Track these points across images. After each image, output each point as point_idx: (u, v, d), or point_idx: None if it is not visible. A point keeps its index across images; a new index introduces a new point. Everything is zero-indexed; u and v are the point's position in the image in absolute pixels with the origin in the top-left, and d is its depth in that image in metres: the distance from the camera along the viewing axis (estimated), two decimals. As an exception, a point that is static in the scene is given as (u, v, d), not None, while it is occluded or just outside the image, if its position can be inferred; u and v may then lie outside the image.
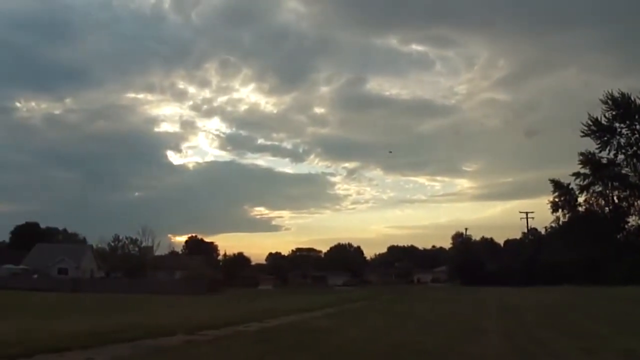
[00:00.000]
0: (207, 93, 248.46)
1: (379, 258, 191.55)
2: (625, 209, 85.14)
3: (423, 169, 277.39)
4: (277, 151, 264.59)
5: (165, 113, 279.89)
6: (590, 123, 78.79)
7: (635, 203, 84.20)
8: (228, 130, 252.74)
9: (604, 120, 78.09)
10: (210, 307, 37.61)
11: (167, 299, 52.48)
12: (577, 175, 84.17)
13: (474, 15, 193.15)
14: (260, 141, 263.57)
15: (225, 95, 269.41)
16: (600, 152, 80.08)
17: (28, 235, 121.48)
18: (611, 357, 14.34)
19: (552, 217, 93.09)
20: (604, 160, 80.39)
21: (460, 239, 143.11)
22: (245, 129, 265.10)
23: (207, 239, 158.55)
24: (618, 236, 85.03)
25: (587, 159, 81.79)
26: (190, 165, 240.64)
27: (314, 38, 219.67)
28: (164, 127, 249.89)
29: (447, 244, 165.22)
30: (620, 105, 76.55)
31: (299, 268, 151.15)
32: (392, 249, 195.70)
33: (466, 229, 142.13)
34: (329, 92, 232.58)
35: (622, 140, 78.30)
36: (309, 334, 18.35)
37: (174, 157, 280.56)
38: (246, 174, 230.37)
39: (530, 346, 15.74)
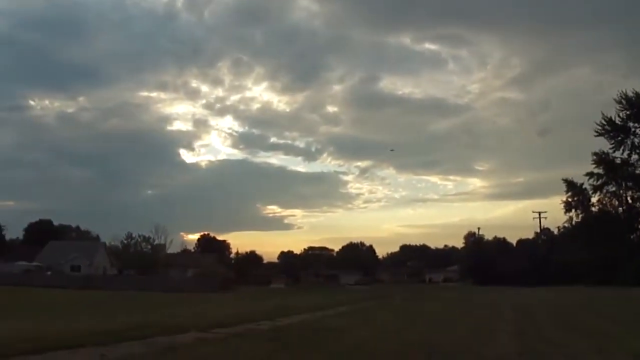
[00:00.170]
0: (219, 91, 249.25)
1: (391, 257, 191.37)
2: (639, 210, 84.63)
3: (435, 168, 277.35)
4: (289, 150, 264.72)
5: (178, 111, 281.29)
6: (604, 122, 78.23)
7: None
8: (241, 129, 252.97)
9: (617, 120, 77.51)
10: (222, 305, 37.68)
11: (179, 296, 52.59)
12: (590, 175, 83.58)
13: (487, 15, 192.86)
14: (273, 140, 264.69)
15: (238, 93, 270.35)
16: (614, 152, 79.47)
17: (41, 232, 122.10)
18: (622, 357, 14.32)
19: (565, 217, 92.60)
20: (618, 160, 79.74)
21: (473, 239, 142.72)
22: (258, 128, 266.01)
23: (220, 237, 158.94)
24: (631, 237, 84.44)
25: (601, 159, 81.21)
26: (203, 164, 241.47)
27: (326, 36, 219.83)
28: (177, 126, 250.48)
29: (459, 243, 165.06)
30: (635, 105, 75.98)
31: (311, 267, 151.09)
32: (404, 248, 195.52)
33: (478, 229, 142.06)
34: (342, 91, 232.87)
35: (637, 140, 77.69)
36: (320, 333, 18.37)
37: (186, 156, 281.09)
38: (259, 172, 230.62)
39: (542, 346, 15.71)
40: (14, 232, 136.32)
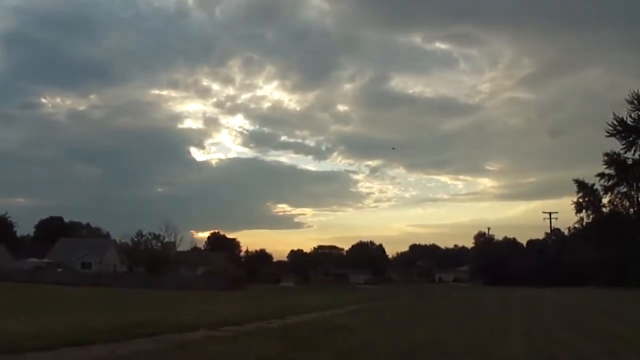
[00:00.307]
0: (230, 90, 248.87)
1: (401, 256, 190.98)
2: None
3: (446, 168, 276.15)
4: (300, 148, 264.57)
5: (189, 110, 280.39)
6: (616, 123, 77.94)
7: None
8: (251, 127, 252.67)
9: (629, 121, 77.18)
10: (231, 303, 37.74)
11: (189, 294, 52.70)
12: (601, 175, 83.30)
13: (498, 14, 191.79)
14: (284, 138, 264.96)
15: (249, 92, 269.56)
16: (625, 152, 79.18)
17: (52, 229, 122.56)
18: (634, 359, 14.27)
19: (575, 218, 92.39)
20: (629, 161, 79.44)
21: (483, 239, 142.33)
22: (269, 126, 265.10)
23: (229, 236, 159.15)
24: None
25: (612, 160, 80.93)
26: (213, 162, 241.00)
27: (337, 35, 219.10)
28: (188, 124, 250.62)
29: (469, 243, 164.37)
30: (646, 105, 75.71)
31: (320, 266, 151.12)
32: (414, 248, 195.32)
33: (489, 229, 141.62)
34: (352, 90, 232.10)
35: (648, 141, 77.46)
36: (330, 332, 18.39)
37: (197, 154, 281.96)
38: (269, 170, 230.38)
39: (553, 347, 15.66)
40: (25, 229, 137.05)
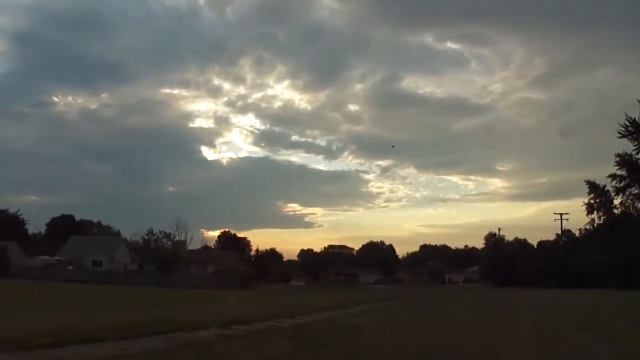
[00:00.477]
0: (242, 90, 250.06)
1: (411, 257, 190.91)
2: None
3: (457, 168, 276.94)
4: (311, 148, 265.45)
5: (200, 109, 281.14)
6: (628, 124, 77.25)
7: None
8: (262, 127, 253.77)
9: (642, 121, 76.76)
10: (242, 302, 37.68)
11: (199, 293, 52.73)
12: (613, 177, 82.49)
13: (510, 14, 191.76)
14: (295, 138, 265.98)
15: (260, 92, 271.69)
16: (637, 154, 78.33)
17: (64, 227, 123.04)
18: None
19: (587, 219, 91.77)
20: (642, 163, 78.97)
21: (494, 240, 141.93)
22: (280, 126, 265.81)
23: (240, 235, 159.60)
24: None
25: (624, 161, 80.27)
26: (225, 161, 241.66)
27: (348, 35, 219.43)
28: (199, 123, 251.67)
29: (480, 244, 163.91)
30: (660, 106, 75.18)
31: (331, 265, 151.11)
32: (425, 248, 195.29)
33: (499, 230, 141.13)
34: (364, 90, 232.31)
35: (662, 143, 76.94)
36: (341, 332, 18.34)
37: (208, 153, 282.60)
38: (280, 170, 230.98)
39: (564, 349, 15.58)
40: (37, 227, 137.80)
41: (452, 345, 15.21)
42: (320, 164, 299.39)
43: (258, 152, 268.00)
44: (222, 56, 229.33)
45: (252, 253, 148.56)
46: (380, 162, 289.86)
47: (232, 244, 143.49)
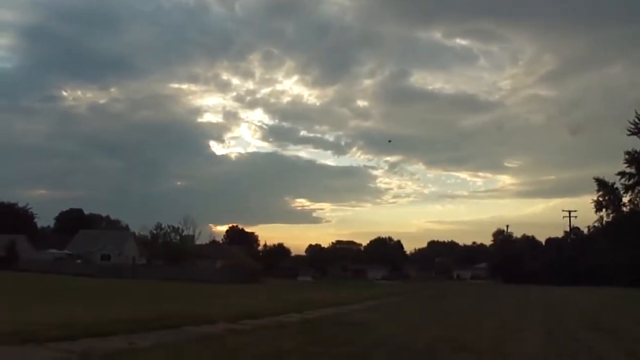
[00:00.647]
0: (250, 84, 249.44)
1: (419, 253, 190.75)
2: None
3: (465, 165, 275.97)
4: (319, 143, 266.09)
5: (208, 103, 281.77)
6: (637, 121, 77.31)
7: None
8: (271, 122, 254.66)
9: (651, 119, 76.55)
10: (250, 296, 37.82)
11: (207, 287, 52.88)
12: (622, 174, 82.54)
13: (519, 10, 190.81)
14: (303, 133, 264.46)
15: (269, 86, 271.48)
16: (646, 151, 78.52)
17: (72, 221, 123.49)
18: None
19: (595, 217, 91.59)
20: (651, 160, 78.77)
21: (501, 236, 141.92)
22: (288, 121, 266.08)
23: (248, 229, 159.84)
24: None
25: (633, 158, 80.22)
26: (233, 156, 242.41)
27: (357, 31, 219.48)
28: (207, 118, 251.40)
29: (487, 240, 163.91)
30: (669, 104, 74.95)
31: (338, 261, 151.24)
32: (432, 244, 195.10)
33: (507, 226, 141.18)
34: (372, 85, 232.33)
35: (670, 140, 76.69)
36: (349, 327, 18.41)
37: (216, 148, 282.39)
38: (288, 165, 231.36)
39: (572, 347, 15.61)
40: (46, 221, 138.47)
41: (459, 342, 15.22)
42: (329, 159, 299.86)
43: (266, 147, 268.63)
44: (231, 51, 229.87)
45: (260, 248, 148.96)
46: (389, 158, 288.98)
47: (240, 239, 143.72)
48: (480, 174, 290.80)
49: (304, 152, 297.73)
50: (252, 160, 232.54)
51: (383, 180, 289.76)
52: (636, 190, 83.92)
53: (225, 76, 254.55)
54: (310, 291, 48.35)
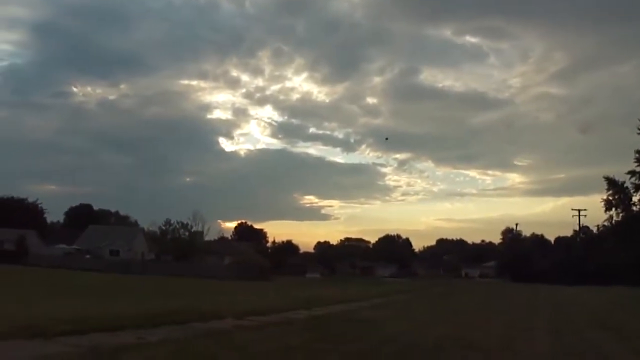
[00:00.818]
0: (259, 81, 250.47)
1: (428, 251, 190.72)
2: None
3: (474, 162, 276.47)
4: (328, 140, 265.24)
5: (218, 100, 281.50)
6: (648, 120, 76.83)
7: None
8: (280, 119, 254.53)
9: (661, 117, 76.04)
10: (258, 293, 37.86)
11: (216, 283, 53.00)
12: (632, 173, 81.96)
13: (529, 7, 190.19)
14: (312, 130, 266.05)
15: (278, 83, 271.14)
16: (657, 150, 78.01)
17: (81, 216, 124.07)
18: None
19: (605, 216, 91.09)
20: (661, 159, 78.27)
21: (510, 235, 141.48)
22: (297, 118, 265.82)
23: (257, 226, 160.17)
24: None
25: (643, 157, 79.75)
26: (242, 153, 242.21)
27: (367, 28, 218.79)
28: (217, 114, 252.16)
29: (496, 239, 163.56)
30: (680, 103, 74.55)
31: (347, 258, 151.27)
32: (441, 242, 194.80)
33: (516, 225, 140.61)
34: (382, 83, 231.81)
35: (681, 139, 76.18)
36: (356, 324, 18.43)
37: (225, 144, 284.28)
38: (297, 162, 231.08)
39: (580, 346, 15.57)
40: (55, 216, 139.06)
41: (467, 340, 15.20)
42: (338, 156, 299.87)
43: (275, 143, 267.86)
44: (241, 48, 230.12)
45: (268, 244, 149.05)
46: (398, 155, 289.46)
47: (248, 235, 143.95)
48: (490, 172, 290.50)
49: (313, 149, 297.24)
50: (261, 157, 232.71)
51: (392, 177, 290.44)
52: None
53: (235, 73, 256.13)
54: (318, 288, 48.38)
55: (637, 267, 79.20)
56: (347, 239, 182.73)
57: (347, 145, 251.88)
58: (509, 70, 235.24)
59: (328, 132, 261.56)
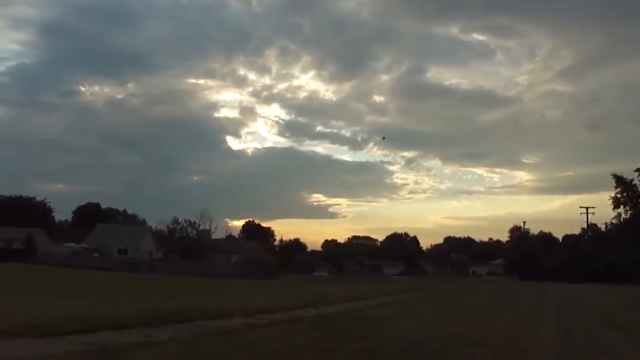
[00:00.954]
0: (267, 80, 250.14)
1: (435, 249, 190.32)
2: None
3: (482, 160, 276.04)
4: (335, 139, 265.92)
5: (225, 99, 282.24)
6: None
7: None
8: (287, 117, 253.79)
9: (670, 115, 75.92)
10: (266, 291, 37.93)
11: (223, 282, 53.09)
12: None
13: (536, 5, 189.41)
14: (319, 128, 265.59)
15: (285, 82, 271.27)
16: (666, 148, 77.88)
17: (89, 215, 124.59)
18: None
19: (613, 213, 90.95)
20: (670, 157, 78.10)
21: (518, 233, 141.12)
22: (305, 116, 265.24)
23: (264, 224, 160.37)
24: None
25: (652, 155, 79.60)
26: (249, 151, 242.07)
27: (374, 26, 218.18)
28: (224, 113, 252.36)
29: (504, 237, 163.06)
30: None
31: (354, 256, 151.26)
32: (449, 240, 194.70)
33: (524, 223, 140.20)
34: (389, 81, 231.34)
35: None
36: (364, 322, 18.45)
37: (233, 143, 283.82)
38: (304, 160, 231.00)
39: (588, 344, 15.55)
40: (63, 214, 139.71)
41: (474, 338, 15.19)
42: (345, 155, 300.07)
43: (283, 142, 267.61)
44: (248, 46, 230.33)
45: (276, 243, 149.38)
46: (405, 153, 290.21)
47: (256, 234, 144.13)
48: (497, 169, 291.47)
49: (321, 148, 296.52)
50: (269, 156, 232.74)
51: (399, 175, 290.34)
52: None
53: (242, 71, 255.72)
54: (326, 286, 48.39)
55: (645, 264, 78.93)
56: (355, 237, 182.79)
57: (354, 144, 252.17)
58: (516, 68, 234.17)
59: (335, 131, 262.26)
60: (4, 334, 11.31)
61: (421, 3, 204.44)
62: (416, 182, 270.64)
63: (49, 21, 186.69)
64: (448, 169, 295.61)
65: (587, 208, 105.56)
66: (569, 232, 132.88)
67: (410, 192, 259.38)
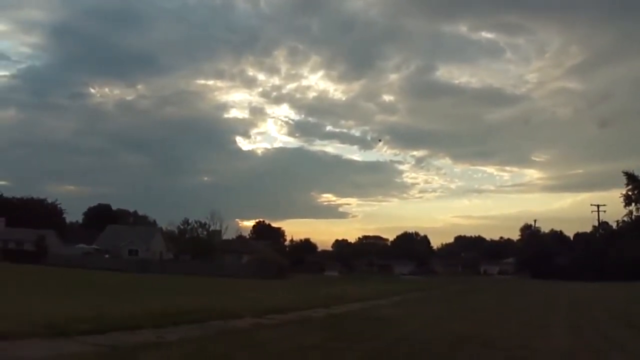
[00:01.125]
0: (276, 80, 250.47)
1: (446, 248, 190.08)
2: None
3: (492, 159, 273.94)
4: (345, 138, 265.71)
5: (234, 99, 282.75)
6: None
7: None
8: (297, 117, 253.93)
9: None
10: (276, 291, 37.95)
11: (234, 282, 53.14)
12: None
13: (545, 2, 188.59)
14: (329, 128, 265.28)
15: (294, 82, 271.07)
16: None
17: (100, 216, 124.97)
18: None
19: (624, 211, 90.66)
20: (681, 154, 77.79)
21: (529, 231, 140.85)
22: (314, 116, 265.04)
23: (274, 224, 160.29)
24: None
25: (663, 152, 79.27)
26: (259, 151, 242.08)
27: (383, 25, 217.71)
28: (233, 114, 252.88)
29: (515, 235, 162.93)
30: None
31: (365, 256, 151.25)
32: (459, 239, 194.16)
33: (535, 221, 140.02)
34: (398, 80, 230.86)
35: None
36: (374, 322, 18.44)
37: (242, 143, 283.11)
38: (314, 160, 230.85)
39: (599, 343, 15.48)
40: (74, 216, 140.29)
41: (485, 337, 15.16)
42: (355, 154, 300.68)
43: (292, 142, 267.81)
44: (256, 47, 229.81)
45: (287, 243, 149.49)
46: (415, 153, 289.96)
47: (266, 234, 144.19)
48: (507, 168, 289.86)
49: (330, 147, 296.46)
50: (279, 156, 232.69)
51: (409, 175, 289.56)
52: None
53: (251, 72, 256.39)
54: (336, 286, 48.36)
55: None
56: (365, 237, 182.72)
57: (364, 143, 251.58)
58: (526, 66, 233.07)
59: (345, 130, 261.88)
60: (13, 334, 11.34)
61: (430, 2, 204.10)
62: (426, 181, 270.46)
63: (59, 24, 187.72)
64: (458, 168, 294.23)
65: (598, 206, 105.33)
66: (580, 230, 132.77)
67: (420, 192, 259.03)
